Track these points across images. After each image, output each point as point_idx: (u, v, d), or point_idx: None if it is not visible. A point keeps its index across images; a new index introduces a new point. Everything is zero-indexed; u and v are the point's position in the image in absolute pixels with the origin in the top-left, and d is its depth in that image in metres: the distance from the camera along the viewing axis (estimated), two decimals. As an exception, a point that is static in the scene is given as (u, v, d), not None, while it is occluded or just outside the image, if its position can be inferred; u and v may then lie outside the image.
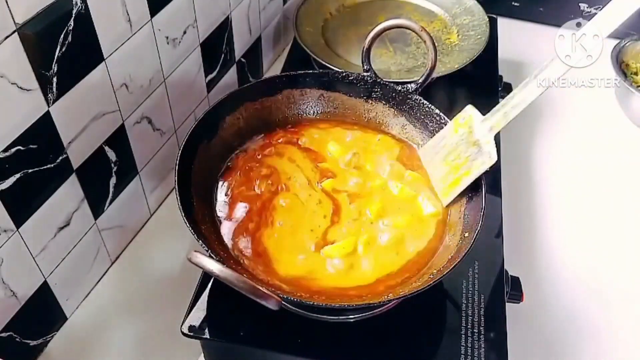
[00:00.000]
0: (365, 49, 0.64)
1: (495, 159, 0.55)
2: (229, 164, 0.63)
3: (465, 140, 0.59)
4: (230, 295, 0.47)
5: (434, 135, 0.64)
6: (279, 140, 0.65)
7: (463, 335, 0.56)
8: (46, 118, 0.53)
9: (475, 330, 0.56)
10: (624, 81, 0.87)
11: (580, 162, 0.88)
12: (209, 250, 0.49)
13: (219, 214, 0.58)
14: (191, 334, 0.56)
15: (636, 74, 0.91)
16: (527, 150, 0.89)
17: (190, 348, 0.61)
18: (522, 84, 0.54)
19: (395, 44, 0.90)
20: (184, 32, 0.71)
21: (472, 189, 0.58)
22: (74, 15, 0.52)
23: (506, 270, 0.63)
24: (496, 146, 0.56)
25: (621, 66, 0.91)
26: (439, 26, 0.95)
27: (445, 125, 0.62)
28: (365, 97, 0.67)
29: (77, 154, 0.59)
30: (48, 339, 0.64)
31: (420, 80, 0.64)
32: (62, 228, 0.60)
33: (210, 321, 0.57)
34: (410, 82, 0.65)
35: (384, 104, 0.67)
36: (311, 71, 0.67)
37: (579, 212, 0.81)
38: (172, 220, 0.56)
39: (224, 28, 0.80)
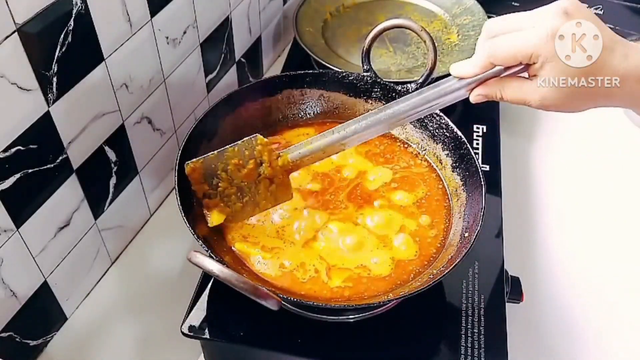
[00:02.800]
0: (365, 49, 0.64)
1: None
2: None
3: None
4: (230, 295, 0.47)
5: (434, 135, 0.64)
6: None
7: (463, 335, 0.56)
8: (46, 118, 0.53)
9: (475, 330, 0.56)
10: (624, 81, 0.86)
11: (580, 162, 0.88)
12: (209, 250, 0.49)
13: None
14: (191, 334, 0.56)
15: (636, 74, 0.91)
16: (527, 150, 0.89)
17: (190, 348, 0.61)
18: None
19: (395, 44, 0.90)
20: (184, 32, 0.71)
21: (472, 189, 0.58)
22: (74, 15, 0.52)
23: (506, 270, 0.63)
24: (496, 146, 0.56)
25: (621, 66, 0.90)
26: (439, 26, 0.95)
27: (446, 125, 0.62)
28: (365, 97, 0.67)
29: (77, 154, 0.59)
30: (48, 339, 0.64)
31: (420, 80, 0.64)
32: (62, 228, 0.60)
33: (210, 321, 0.57)
34: (410, 82, 0.65)
35: (384, 104, 0.67)
36: (311, 71, 0.67)
37: (579, 212, 0.81)
38: (172, 220, 0.56)
39: (224, 28, 0.80)
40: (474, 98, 0.49)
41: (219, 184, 0.54)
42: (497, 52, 0.46)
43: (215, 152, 0.54)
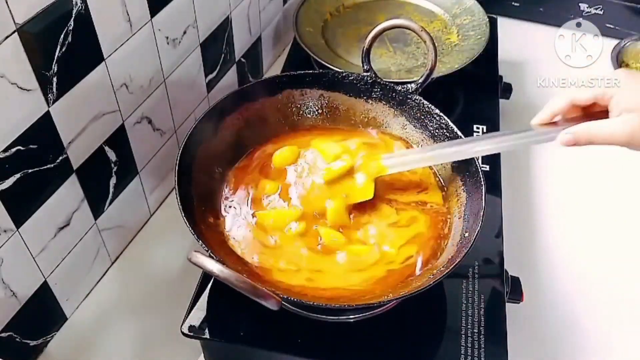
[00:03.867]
0: (365, 49, 0.64)
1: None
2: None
3: None
4: (230, 295, 0.47)
5: (434, 135, 0.64)
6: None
7: (463, 335, 0.56)
8: (46, 118, 0.53)
9: (475, 330, 0.56)
10: (624, 81, 0.87)
11: (580, 163, 0.88)
12: (209, 250, 0.49)
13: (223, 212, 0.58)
14: (191, 334, 0.56)
15: (636, 74, 0.91)
16: (527, 150, 0.89)
17: (190, 348, 0.61)
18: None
19: (395, 44, 0.90)
20: (184, 32, 0.71)
21: (472, 189, 0.58)
22: (74, 15, 0.52)
23: (506, 270, 0.63)
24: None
25: (621, 66, 0.91)
26: (439, 26, 0.95)
27: (446, 125, 0.62)
28: (365, 97, 0.67)
29: (77, 154, 0.59)
30: (48, 339, 0.64)
31: (420, 80, 0.64)
32: (62, 228, 0.60)
33: (210, 321, 0.57)
34: (410, 82, 0.65)
35: (384, 104, 0.67)
36: (311, 71, 0.67)
37: (579, 212, 0.81)
38: (172, 220, 0.56)
39: (224, 28, 0.80)
40: (562, 138, 0.54)
41: None
42: (577, 93, 0.50)
43: None
